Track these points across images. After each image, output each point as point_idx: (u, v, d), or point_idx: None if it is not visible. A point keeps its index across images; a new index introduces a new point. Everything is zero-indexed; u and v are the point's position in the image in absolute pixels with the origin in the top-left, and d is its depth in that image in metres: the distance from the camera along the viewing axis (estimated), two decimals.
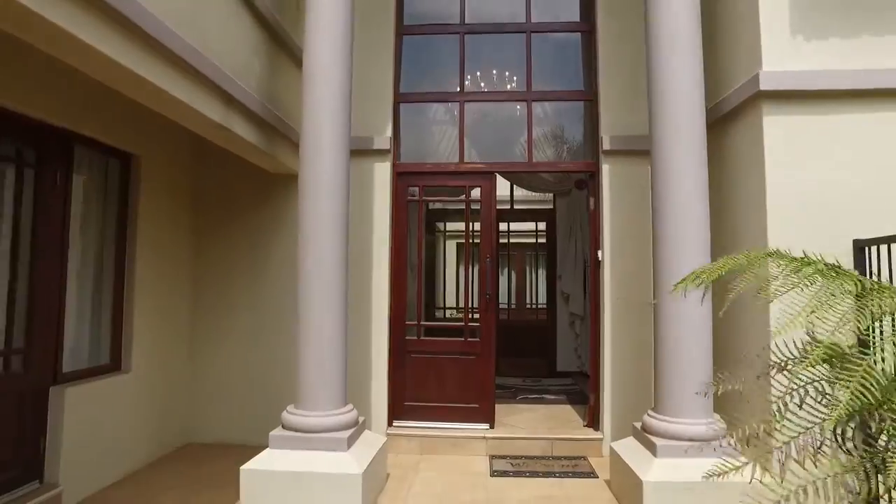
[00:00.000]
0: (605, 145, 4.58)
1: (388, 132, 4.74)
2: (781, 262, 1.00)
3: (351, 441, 3.47)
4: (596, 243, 4.71)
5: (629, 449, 3.55)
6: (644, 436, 3.42)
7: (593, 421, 4.70)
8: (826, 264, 1.00)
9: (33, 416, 3.30)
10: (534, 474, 4.10)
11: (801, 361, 0.94)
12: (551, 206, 7.41)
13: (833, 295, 0.96)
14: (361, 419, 3.74)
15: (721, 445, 1.93)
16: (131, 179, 4.17)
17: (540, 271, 8.45)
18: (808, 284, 1.00)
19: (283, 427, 3.50)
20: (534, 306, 8.70)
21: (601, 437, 4.48)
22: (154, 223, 4.33)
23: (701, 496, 2.90)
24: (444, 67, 5.09)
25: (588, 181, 4.95)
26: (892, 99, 3.16)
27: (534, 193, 7.55)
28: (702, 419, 3.22)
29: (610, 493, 3.70)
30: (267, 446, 3.43)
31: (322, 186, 3.56)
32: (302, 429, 3.42)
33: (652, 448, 3.28)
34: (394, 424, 4.68)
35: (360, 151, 4.49)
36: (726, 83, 3.80)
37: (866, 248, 3.07)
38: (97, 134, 3.69)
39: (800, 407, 0.98)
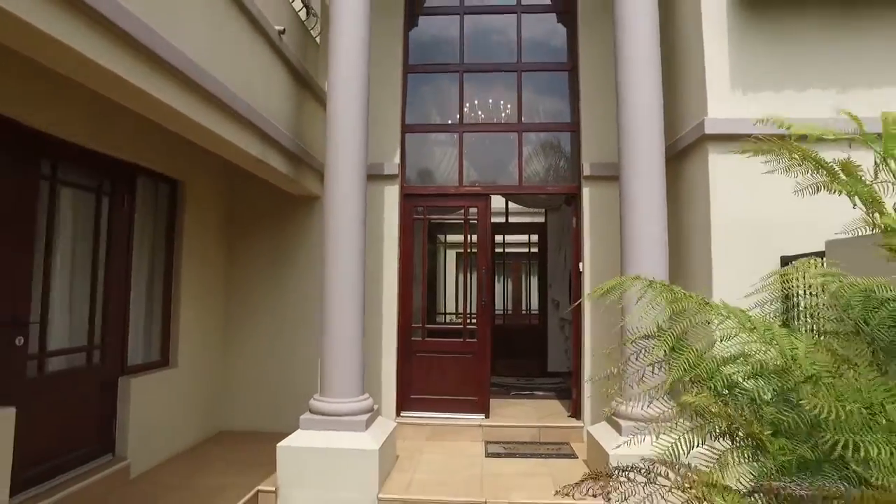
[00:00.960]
0: (586, 171, 5.37)
1: (397, 159, 5.53)
2: (637, 282, 1.73)
3: (368, 423, 4.23)
4: (578, 256, 5.49)
5: (601, 431, 4.31)
6: (613, 419, 4.18)
7: (576, 412, 5.46)
8: (661, 284, 1.72)
9: (107, 401, 4.06)
10: (523, 455, 4.85)
11: (653, 341, 1.67)
12: (543, 220, 8.20)
13: (656, 301, 1.72)
14: (376, 406, 4.50)
15: (664, 423, 2.67)
16: (178, 201, 4.95)
17: (533, 279, 9.22)
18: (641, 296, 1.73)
19: (311, 412, 4.26)
20: (528, 311, 9.47)
21: (582, 425, 5.24)
22: (195, 238, 5.11)
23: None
24: (446, 101, 5.89)
25: (572, 201, 5.74)
26: (808, 141, 3.93)
27: (528, 208, 8.33)
28: (657, 405, 3.98)
29: (586, 468, 4.46)
30: (287, 433, 4.17)
31: (343, 209, 4.33)
32: (327, 413, 4.17)
33: (618, 428, 4.04)
34: (401, 414, 5.44)
35: (372, 176, 5.25)
36: (682, 124, 4.59)
37: (790, 262, 3.84)
38: (153, 165, 4.47)
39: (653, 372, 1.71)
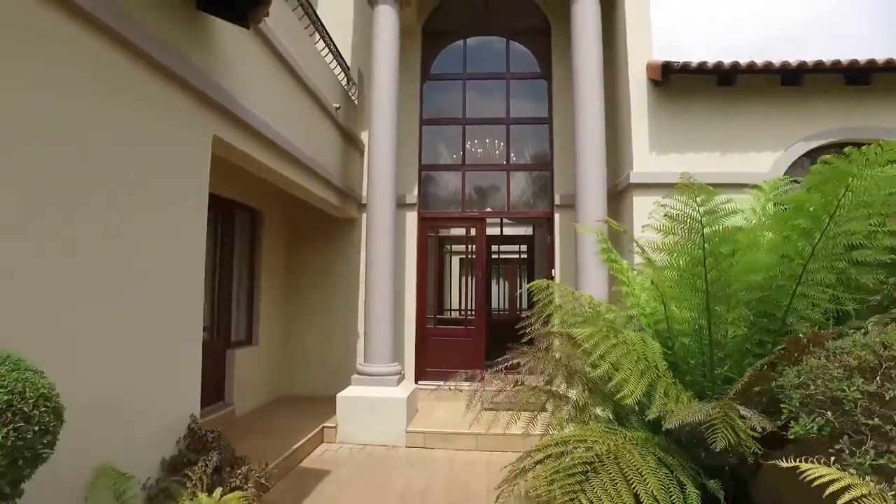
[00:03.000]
0: (557, 201, 7.42)
1: (415, 191, 7.59)
2: (547, 282, 3.69)
3: (398, 382, 6.28)
4: (551, 264, 7.53)
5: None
6: None
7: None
8: (558, 284, 3.66)
9: (220, 366, 6.12)
10: (506, 410, 6.88)
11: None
12: (531, 234, 10.24)
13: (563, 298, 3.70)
14: (403, 372, 6.55)
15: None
16: (258, 224, 7.01)
17: (524, 281, 11.25)
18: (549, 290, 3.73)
19: (358, 374, 6.30)
20: (519, 308, 11.50)
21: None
22: (268, 250, 7.17)
23: None
24: (452, 146, 7.94)
25: (546, 223, 7.78)
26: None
27: (519, 223, 10.38)
28: None
29: None
30: (330, 396, 6.20)
31: (381, 230, 6.37)
32: (370, 373, 6.22)
33: None
34: (419, 383, 7.47)
35: (398, 205, 7.28)
36: (621, 172, 6.63)
37: None
38: (244, 200, 6.52)
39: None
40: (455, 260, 11.62)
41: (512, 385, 3.14)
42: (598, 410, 2.77)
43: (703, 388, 2.54)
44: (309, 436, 5.67)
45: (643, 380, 2.23)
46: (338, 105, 6.63)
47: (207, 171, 3.84)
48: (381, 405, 6.04)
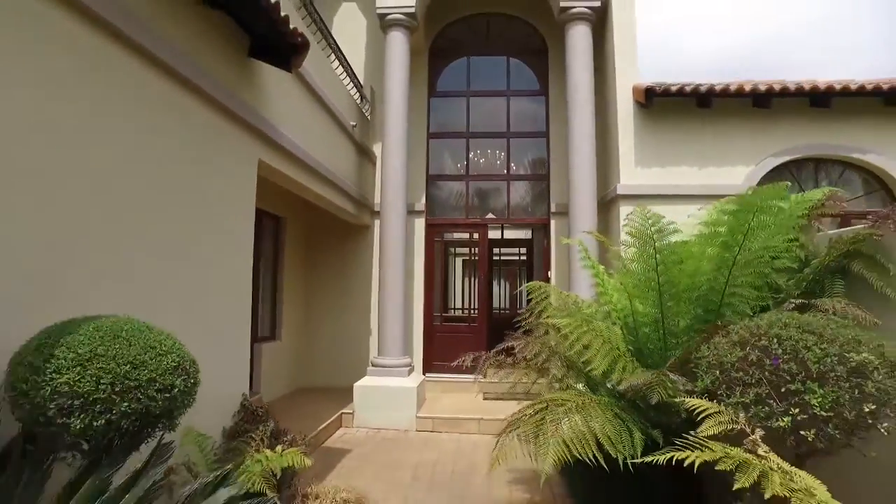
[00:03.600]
0: (552, 208, 8.19)
1: (423, 200, 8.36)
2: (540, 283, 4.41)
3: (408, 373, 7.06)
4: (547, 266, 8.30)
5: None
6: None
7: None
8: (551, 285, 4.37)
9: (251, 357, 6.89)
10: (506, 399, 7.64)
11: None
12: (531, 237, 11.01)
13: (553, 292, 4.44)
14: (413, 364, 7.33)
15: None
16: (280, 230, 7.78)
17: (523, 281, 12.03)
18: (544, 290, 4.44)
19: (373, 366, 7.08)
20: (520, 307, 12.27)
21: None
22: (290, 254, 7.94)
23: None
24: (457, 157, 8.72)
25: (543, 228, 8.55)
26: (677, 199, 6.71)
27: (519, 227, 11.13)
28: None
29: None
30: (345, 387, 6.99)
31: (393, 235, 7.14)
32: (383, 365, 7.00)
33: None
34: (426, 375, 8.24)
35: (407, 212, 8.06)
36: (609, 184, 7.39)
37: None
38: (270, 208, 7.30)
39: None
40: (459, 262, 12.41)
41: (511, 362, 3.85)
42: (573, 381, 3.52)
43: (659, 365, 3.30)
44: (329, 420, 6.45)
45: (607, 357, 2.99)
46: (354, 123, 7.41)
47: (254, 187, 4.62)
48: (393, 394, 6.81)
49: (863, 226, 2.91)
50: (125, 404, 1.99)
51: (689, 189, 6.80)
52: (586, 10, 7.21)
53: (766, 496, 1.79)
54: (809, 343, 2.11)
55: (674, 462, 2.03)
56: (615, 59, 7.17)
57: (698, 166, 6.89)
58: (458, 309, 10.39)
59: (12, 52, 2.31)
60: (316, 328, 8.44)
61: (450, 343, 8.42)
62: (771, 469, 1.85)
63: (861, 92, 6.47)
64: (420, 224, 8.34)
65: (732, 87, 6.65)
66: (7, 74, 2.29)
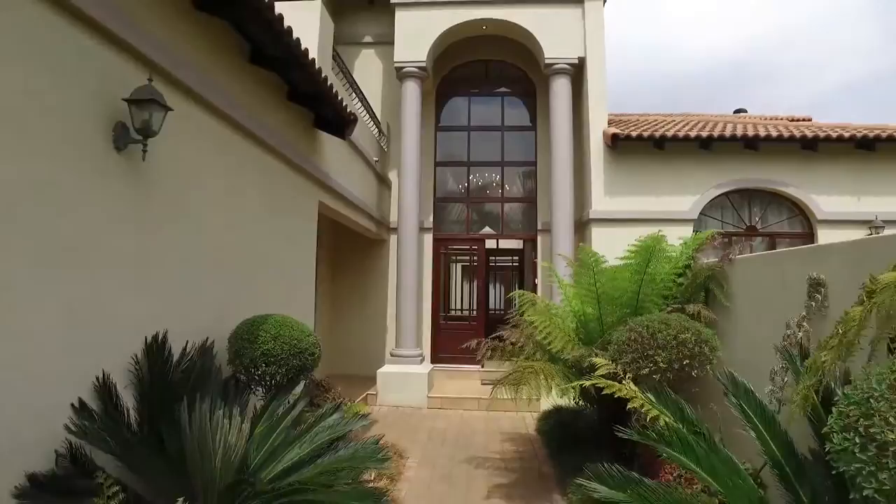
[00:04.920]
0: (539, 226, 10.07)
1: (431, 218, 10.23)
2: (522, 291, 6.24)
3: (420, 362, 8.94)
4: (534, 275, 10.18)
5: None
6: None
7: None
8: (530, 293, 6.13)
9: None
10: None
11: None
12: (522, 247, 12.88)
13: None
14: (424, 355, 9.20)
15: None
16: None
17: (516, 285, 13.90)
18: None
19: (391, 356, 8.96)
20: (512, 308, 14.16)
21: None
22: (320, 264, 9.79)
23: None
24: (459, 181, 10.59)
25: (531, 243, 10.43)
26: (639, 222, 8.59)
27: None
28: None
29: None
30: (366, 375, 8.86)
31: (408, 248, 9.02)
32: (400, 355, 8.88)
33: None
34: (434, 365, 10.10)
35: (419, 229, 9.92)
36: (584, 207, 9.28)
37: None
38: None
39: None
40: (461, 269, 14.31)
41: (502, 346, 5.68)
42: (541, 356, 5.36)
43: (597, 346, 5.17)
44: (359, 398, 8.31)
45: (562, 341, 4.84)
46: (377, 159, 9.27)
47: (316, 220, 6.49)
48: (409, 378, 8.68)
49: (716, 260, 4.76)
50: (294, 361, 3.87)
51: (648, 214, 8.70)
52: (566, 65, 9.10)
53: (633, 405, 3.63)
54: (662, 329, 3.96)
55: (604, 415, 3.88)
56: (589, 109, 9.06)
57: (655, 195, 8.78)
58: (460, 309, 12.25)
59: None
60: (340, 326, 10.30)
61: (453, 338, 10.29)
62: (635, 396, 3.70)
63: (781, 139, 8.38)
64: (429, 238, 10.21)
65: (681, 134, 8.54)
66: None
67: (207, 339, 3.77)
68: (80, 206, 2.79)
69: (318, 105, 5.63)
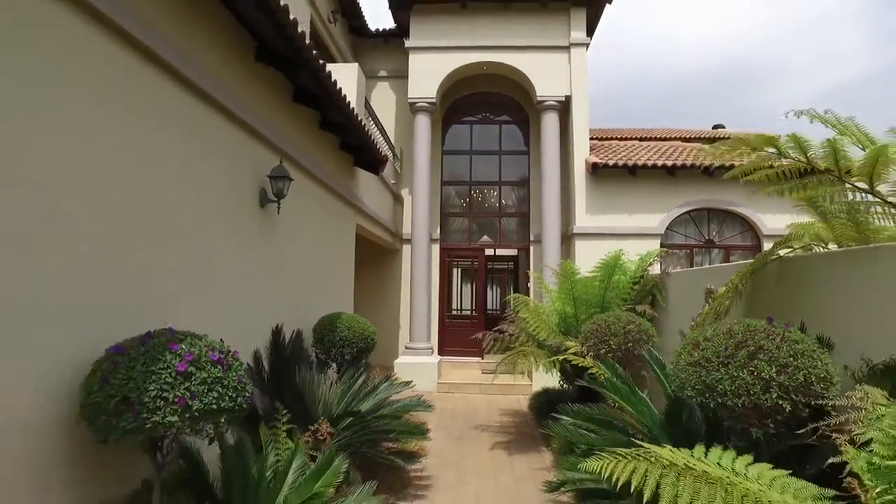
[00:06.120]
0: (531, 238, 11.96)
1: (438, 230, 12.09)
2: (518, 294, 8.06)
3: (430, 353, 10.79)
4: (527, 280, 12.06)
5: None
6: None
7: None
8: (524, 296, 8.03)
9: None
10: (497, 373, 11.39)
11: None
12: (517, 254, 14.77)
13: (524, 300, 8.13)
14: (433, 348, 11.06)
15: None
16: None
17: (512, 288, 15.78)
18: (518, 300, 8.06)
19: (406, 348, 10.82)
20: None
21: None
22: None
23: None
24: (462, 197, 12.46)
25: (525, 252, 12.30)
26: (616, 236, 10.47)
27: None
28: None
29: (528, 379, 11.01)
30: (384, 364, 10.70)
31: (420, 257, 10.87)
32: (414, 348, 10.74)
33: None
34: (441, 357, 11.94)
35: (429, 241, 11.75)
36: (570, 223, 11.17)
37: None
38: None
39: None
40: (464, 274, 16.19)
41: (501, 338, 7.52)
42: (531, 344, 7.20)
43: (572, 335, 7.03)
44: None
45: (546, 332, 6.71)
46: (394, 181, 11.11)
47: (354, 239, 8.32)
48: (421, 367, 10.52)
49: (658, 273, 6.62)
50: (360, 344, 5.71)
51: (623, 229, 10.58)
52: (555, 102, 10.98)
53: (591, 370, 5.47)
54: (615, 322, 5.82)
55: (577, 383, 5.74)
56: (574, 143, 10.95)
57: (629, 213, 10.67)
58: (463, 309, 14.11)
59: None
60: None
61: (457, 333, 12.17)
62: (591, 365, 5.54)
63: (732, 167, 10.27)
64: (436, 248, 12.07)
65: (650, 163, 10.43)
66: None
67: (299, 329, 5.62)
68: (241, 238, 4.63)
69: (360, 152, 7.48)
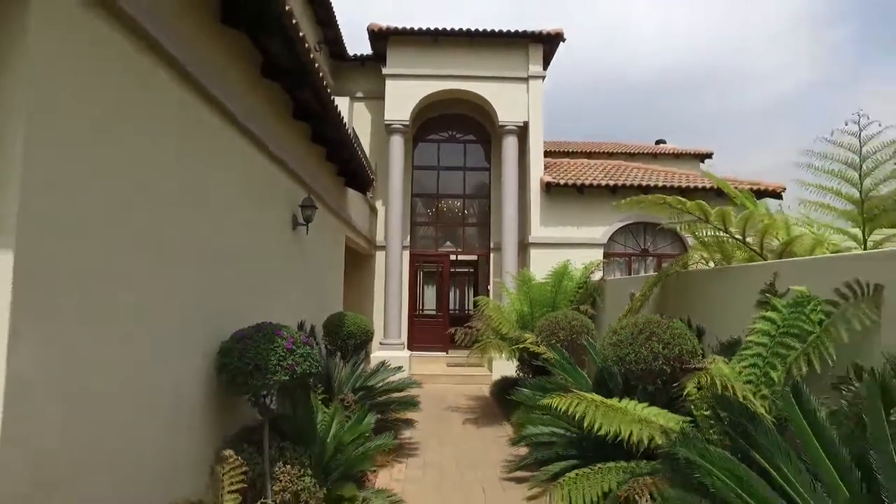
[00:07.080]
0: (492, 245, 13.68)
1: (409, 238, 13.63)
2: (484, 297, 9.65)
3: (403, 349, 12.35)
4: (487, 283, 13.77)
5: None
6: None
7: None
8: (488, 298, 9.66)
9: None
10: (463, 366, 13.05)
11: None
12: (477, 260, 16.47)
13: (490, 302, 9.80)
14: (404, 343, 12.62)
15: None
16: None
17: (471, 290, 17.47)
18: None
19: (381, 344, 12.33)
20: (468, 308, 17.72)
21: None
22: None
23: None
24: (430, 208, 14.05)
25: (486, 258, 14.01)
26: (566, 245, 12.29)
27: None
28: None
29: (487, 369, 12.72)
30: (372, 353, 12.21)
31: (393, 262, 12.40)
32: (388, 343, 12.28)
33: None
34: (410, 352, 13.49)
35: (401, 248, 13.26)
36: (526, 233, 12.94)
37: None
38: None
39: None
40: (429, 277, 17.81)
41: (469, 333, 9.14)
42: (494, 338, 8.86)
43: (528, 330, 8.73)
44: None
45: (507, 327, 8.38)
46: (370, 194, 12.60)
47: (343, 250, 9.79)
48: (395, 361, 11.98)
49: (597, 279, 8.39)
50: (363, 337, 7.24)
51: (573, 239, 12.43)
52: (514, 126, 12.73)
53: (544, 355, 7.15)
54: (562, 319, 7.53)
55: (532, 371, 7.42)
56: (530, 164, 12.73)
57: (576, 226, 12.53)
58: (428, 309, 15.73)
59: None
60: None
61: (424, 330, 13.77)
62: (544, 351, 7.23)
63: (664, 188, 12.30)
64: (406, 254, 13.61)
65: (595, 183, 12.32)
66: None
67: (313, 324, 7.09)
68: (282, 251, 6.09)
69: (354, 176, 8.97)
